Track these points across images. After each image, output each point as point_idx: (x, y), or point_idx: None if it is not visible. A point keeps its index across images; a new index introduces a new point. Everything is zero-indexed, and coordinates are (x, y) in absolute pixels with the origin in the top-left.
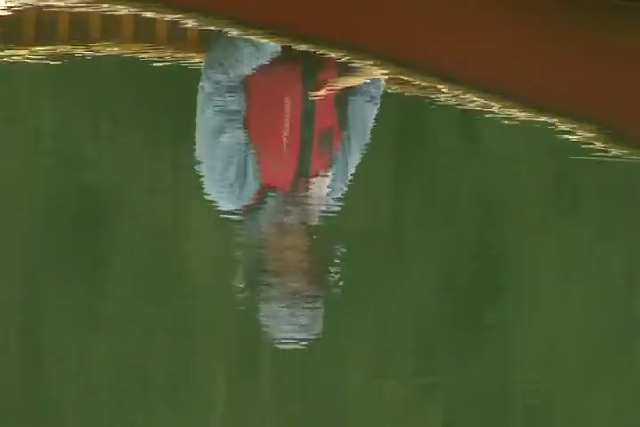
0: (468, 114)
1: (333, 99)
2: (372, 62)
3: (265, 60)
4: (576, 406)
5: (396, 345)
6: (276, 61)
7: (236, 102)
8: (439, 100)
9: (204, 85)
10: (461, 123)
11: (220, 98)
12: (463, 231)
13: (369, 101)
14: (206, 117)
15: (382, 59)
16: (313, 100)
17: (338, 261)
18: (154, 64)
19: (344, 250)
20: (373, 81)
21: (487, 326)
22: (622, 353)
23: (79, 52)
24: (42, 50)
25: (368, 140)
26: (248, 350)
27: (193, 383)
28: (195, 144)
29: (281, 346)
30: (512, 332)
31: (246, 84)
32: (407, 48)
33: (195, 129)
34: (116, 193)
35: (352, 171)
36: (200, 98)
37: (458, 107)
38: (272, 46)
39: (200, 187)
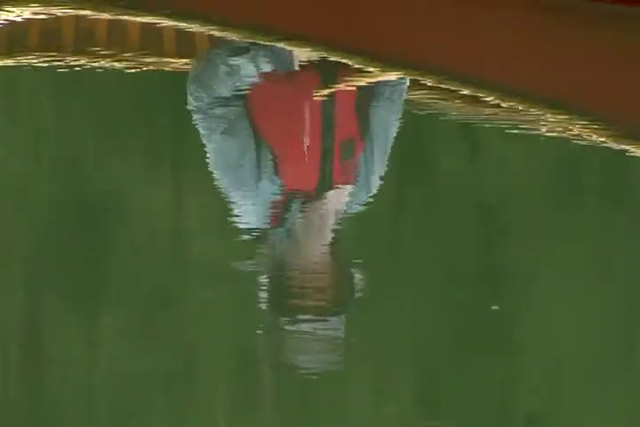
0: (469, 120)
1: (353, 107)
2: (381, 66)
3: (242, 83)
4: (578, 419)
5: (395, 361)
6: (294, 71)
7: (231, 113)
8: (440, 108)
9: (190, 101)
10: (462, 128)
11: (201, 112)
12: (464, 238)
13: (391, 110)
14: (201, 132)
15: (392, 63)
16: (332, 109)
17: (359, 280)
18: (155, 72)
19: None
20: (395, 88)
21: (488, 335)
22: (625, 363)
23: (83, 60)
24: (46, 58)
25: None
26: (249, 371)
27: (194, 399)
28: (196, 150)
29: (290, 373)
30: (513, 341)
31: (253, 94)
32: (415, 50)
33: (194, 135)
34: (116, 201)
35: (376, 182)
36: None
37: (459, 114)
38: (250, 70)
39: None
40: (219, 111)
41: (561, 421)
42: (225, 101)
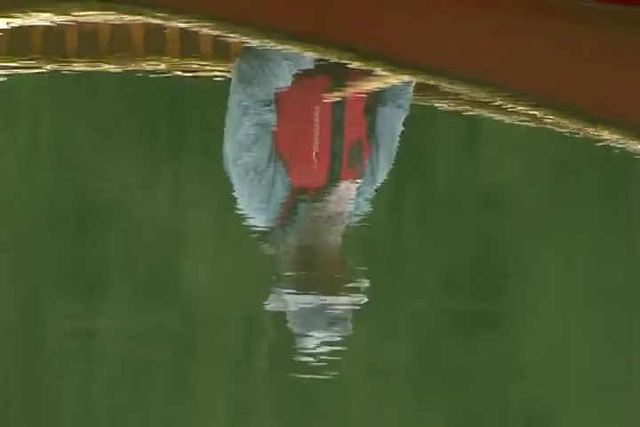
0: (468, 118)
1: (362, 109)
2: (387, 68)
3: (298, 72)
4: (576, 422)
5: (394, 359)
6: (305, 73)
7: (271, 115)
8: (439, 105)
9: (240, 99)
10: (462, 126)
11: (256, 111)
12: (463, 238)
13: (397, 111)
14: (243, 131)
15: (398, 64)
16: (342, 112)
17: (365, 273)
18: (156, 77)
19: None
20: (401, 89)
21: (487, 336)
22: (624, 366)
23: (86, 65)
24: (49, 63)
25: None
26: (248, 367)
27: (192, 404)
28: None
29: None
30: (512, 343)
31: (277, 96)
32: (421, 52)
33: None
34: (115, 205)
35: (380, 181)
36: (234, 111)
37: (458, 111)
38: (306, 59)
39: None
40: (268, 117)
41: (560, 420)
42: (272, 106)
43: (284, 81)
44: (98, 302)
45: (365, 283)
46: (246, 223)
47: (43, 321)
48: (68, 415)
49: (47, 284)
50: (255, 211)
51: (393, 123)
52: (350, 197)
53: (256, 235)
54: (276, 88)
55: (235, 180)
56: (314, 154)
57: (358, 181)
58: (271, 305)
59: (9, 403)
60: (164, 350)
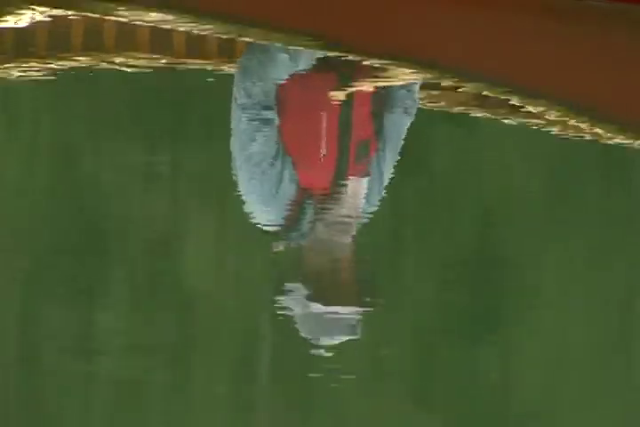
0: (466, 118)
1: (369, 112)
2: (396, 65)
3: (299, 69)
4: (576, 418)
5: (392, 359)
6: (312, 70)
7: (271, 110)
8: (438, 106)
9: (237, 96)
10: (460, 128)
11: (254, 109)
12: (463, 240)
13: (404, 113)
14: (241, 128)
15: (407, 61)
16: (350, 111)
17: (372, 274)
18: (161, 75)
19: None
20: (408, 92)
21: (486, 338)
22: (623, 367)
23: (90, 62)
24: (53, 61)
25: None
26: (248, 364)
27: (192, 400)
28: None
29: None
30: (511, 345)
31: (280, 94)
32: (429, 50)
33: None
34: (115, 207)
35: (386, 182)
36: (234, 108)
37: (457, 112)
38: (307, 54)
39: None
40: (266, 113)
41: (559, 420)
42: (270, 103)
43: (286, 75)
44: (98, 301)
45: (372, 290)
46: (251, 223)
47: (42, 321)
48: (67, 417)
49: (47, 283)
50: (262, 209)
51: (400, 126)
52: (359, 200)
53: (260, 234)
54: (278, 83)
55: (241, 176)
56: (321, 151)
57: (365, 179)
58: (285, 306)
59: (8, 402)
60: (164, 350)
